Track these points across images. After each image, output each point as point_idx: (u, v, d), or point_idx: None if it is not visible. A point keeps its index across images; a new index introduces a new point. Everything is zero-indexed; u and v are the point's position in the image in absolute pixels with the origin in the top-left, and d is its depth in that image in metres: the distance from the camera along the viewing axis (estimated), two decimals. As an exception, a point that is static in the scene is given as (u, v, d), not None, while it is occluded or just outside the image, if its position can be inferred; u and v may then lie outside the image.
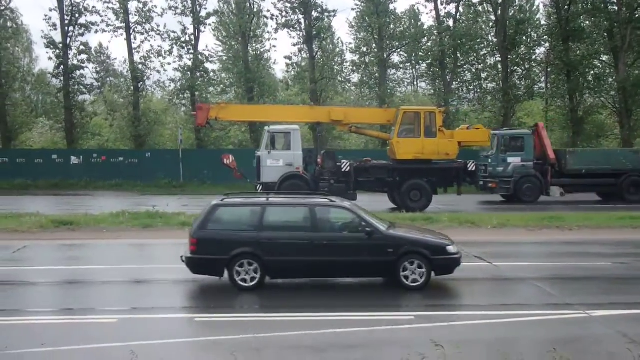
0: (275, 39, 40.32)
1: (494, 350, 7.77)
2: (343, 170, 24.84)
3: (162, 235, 18.38)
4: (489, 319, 9.93)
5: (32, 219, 19.55)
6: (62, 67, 42.04)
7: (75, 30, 42.23)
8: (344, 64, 48.85)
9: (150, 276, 13.39)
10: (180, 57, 43.15)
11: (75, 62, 42.38)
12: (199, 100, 40.49)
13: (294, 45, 43.79)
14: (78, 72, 42.67)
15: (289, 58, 43.90)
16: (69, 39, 41.93)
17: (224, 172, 35.58)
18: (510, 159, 28.06)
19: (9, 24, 44.62)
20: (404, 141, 25.01)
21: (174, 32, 43.00)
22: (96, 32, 43.62)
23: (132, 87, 43.90)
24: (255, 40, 45.62)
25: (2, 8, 42.78)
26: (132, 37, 42.80)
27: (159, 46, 43.54)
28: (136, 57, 43.04)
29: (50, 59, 42.79)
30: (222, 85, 46.40)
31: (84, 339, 8.98)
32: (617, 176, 28.06)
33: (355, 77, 46.98)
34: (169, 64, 43.30)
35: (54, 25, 41.79)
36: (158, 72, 43.96)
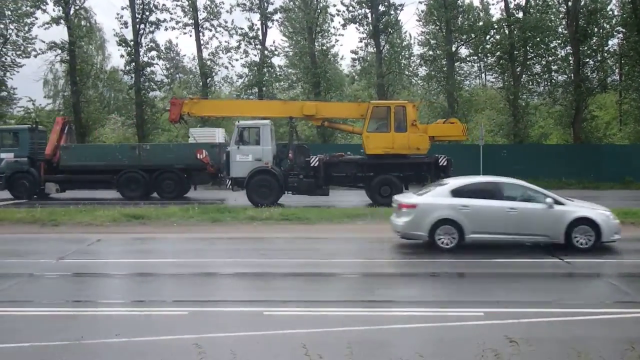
0: (342, 35, 40.43)
1: (569, 347, 7.57)
2: (312, 165, 24.78)
3: (230, 229, 18.66)
4: (560, 316, 9.68)
5: (105, 213, 20.12)
6: (133, 64, 43.05)
7: (145, 27, 43.17)
8: (411, 57, 48.52)
9: (219, 270, 13.60)
10: (248, 53, 43.66)
11: (145, 59, 43.37)
12: (264, 97, 40.96)
13: (361, 40, 43.72)
14: (148, 69, 43.66)
15: (355, 52, 43.84)
16: (139, 37, 42.90)
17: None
18: (3, 155, 27.77)
19: (82, 22, 45.85)
20: (373, 136, 24.90)
21: (241, 28, 43.52)
22: (166, 29, 44.57)
23: (200, 83, 44.67)
24: (321, 35, 45.72)
25: (77, 7, 44.02)
26: (200, 33, 43.54)
27: (226, 42, 44.18)
28: (205, 54, 43.78)
29: (121, 56, 43.92)
30: (288, 81, 46.65)
31: (156, 330, 9.18)
32: (114, 172, 27.42)
33: (422, 71, 46.59)
34: (237, 59, 43.80)
35: (125, 23, 42.84)
36: (226, 67, 44.83)
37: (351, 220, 19.65)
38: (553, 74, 42.82)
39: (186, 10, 43.12)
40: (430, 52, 44.60)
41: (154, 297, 11.28)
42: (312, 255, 15.12)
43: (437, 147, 28.61)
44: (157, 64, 44.62)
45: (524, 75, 42.46)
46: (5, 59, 45.45)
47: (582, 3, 40.41)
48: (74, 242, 16.77)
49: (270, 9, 43.46)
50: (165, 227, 19.02)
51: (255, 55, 43.61)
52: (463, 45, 43.78)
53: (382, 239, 17.26)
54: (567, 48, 41.67)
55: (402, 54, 47.89)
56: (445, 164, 24.85)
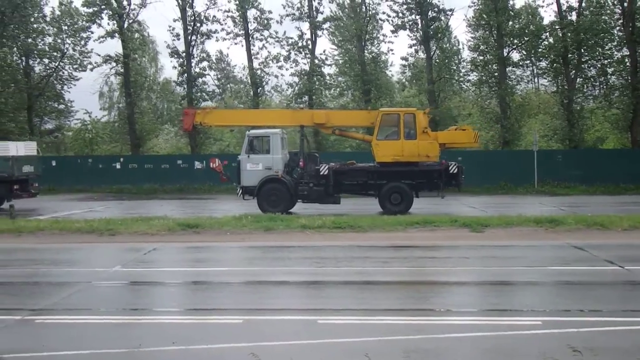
0: (392, 42, 40.19)
1: (634, 358, 7.33)
2: (321, 173, 24.65)
3: (283, 238, 18.69)
4: (624, 325, 9.40)
5: (160, 222, 20.39)
6: (185, 75, 43.78)
7: (197, 39, 43.85)
8: (462, 62, 48.08)
9: (272, 278, 13.62)
10: (297, 62, 43.87)
11: (197, 70, 44.01)
12: (314, 105, 41.04)
13: (411, 46, 43.52)
14: (200, 80, 44.31)
15: (405, 59, 43.74)
16: (191, 48, 43.57)
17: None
18: None
19: (136, 35, 46.83)
20: (382, 143, 24.69)
21: (291, 38, 43.86)
22: (217, 40, 45.25)
23: (251, 93, 45.07)
24: (371, 43, 45.66)
25: (131, 21, 45.01)
26: (251, 44, 43.97)
27: (278, 53, 44.43)
28: (255, 63, 44.22)
29: (174, 67, 44.81)
30: (338, 89, 46.71)
31: (211, 338, 9.22)
32: None
33: (473, 76, 46.08)
34: (287, 69, 43.97)
35: (177, 35, 43.67)
36: (276, 77, 45.06)
37: (404, 228, 19.50)
38: (609, 76, 41.86)
39: (237, 21, 43.68)
40: (481, 57, 44.11)
41: (209, 305, 11.35)
42: (365, 263, 15.06)
43: (484, 154, 28.20)
44: (208, 74, 45.30)
45: (578, 79, 41.64)
46: (63, 72, 46.89)
47: (639, 4, 39.43)
48: (130, 251, 17.05)
49: (320, 18, 43.67)
50: (219, 236, 19.17)
51: (305, 64, 43.85)
52: (515, 49, 43.18)
53: (436, 246, 17.14)
54: (623, 50, 40.72)
55: (453, 59, 47.48)
56: (456, 171, 24.62)
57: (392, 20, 42.53)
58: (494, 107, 44.31)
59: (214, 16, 43.87)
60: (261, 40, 43.99)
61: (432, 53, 42.99)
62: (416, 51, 43.62)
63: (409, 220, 20.40)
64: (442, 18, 42.75)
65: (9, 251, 17.55)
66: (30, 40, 45.40)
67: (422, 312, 10.55)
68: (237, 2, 43.11)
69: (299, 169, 25.18)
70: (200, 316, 10.45)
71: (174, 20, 43.73)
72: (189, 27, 43.34)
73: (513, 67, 44.43)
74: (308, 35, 43.85)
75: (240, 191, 24.95)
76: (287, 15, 43.41)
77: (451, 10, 42.29)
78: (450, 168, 24.65)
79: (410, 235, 18.88)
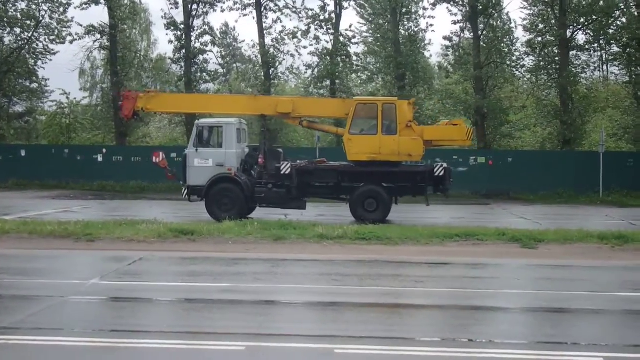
0: (433, 17, 40.00)
1: None
2: (282, 172, 24.50)
3: (295, 249, 18.78)
4: None
5: (149, 227, 20.50)
6: (183, 51, 43.93)
7: (198, 8, 44.01)
8: (515, 44, 47.85)
9: (282, 297, 13.65)
10: (318, 39, 43.86)
11: (198, 45, 44.17)
12: (338, 91, 41.05)
13: (455, 23, 43.36)
14: (201, 57, 44.50)
15: (449, 39, 43.48)
16: (191, 19, 43.72)
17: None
18: None
19: (125, 2, 47.00)
20: (356, 139, 24.66)
21: (311, 9, 43.87)
22: (222, 10, 45.30)
23: (262, 74, 45.10)
24: (407, 18, 45.51)
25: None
26: (263, 15, 44.00)
27: (294, 27, 44.48)
28: (267, 40, 44.25)
29: (170, 42, 44.96)
30: (367, 72, 46.68)
31: (208, 367, 9.31)
32: None
33: (529, 61, 45.88)
34: (305, 47, 43.99)
35: (176, 3, 43.79)
36: (292, 56, 45.03)
37: (442, 241, 19.49)
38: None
39: (247, -12, 43.73)
40: (539, 39, 43.91)
41: (206, 328, 11.37)
42: (393, 283, 15.05)
43: (539, 154, 27.79)
44: (211, 51, 45.54)
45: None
46: (37, 45, 47.03)
47: None
48: (112, 261, 17.17)
49: (347, -14, 43.65)
50: (219, 245, 19.24)
51: (328, 42, 43.86)
52: (580, 29, 42.95)
53: (479, 264, 17.08)
54: None
55: (504, 40, 47.30)
56: (442, 173, 24.50)
57: (433, -10, 42.47)
58: (553, 99, 44.11)
59: (220, -18, 44.02)
60: (275, 11, 44.10)
61: (480, 32, 42.84)
62: (461, 29, 43.49)
63: (448, 232, 20.37)
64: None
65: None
66: (-1, 5, 45.71)
67: (461, 343, 10.51)
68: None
69: (258, 167, 25.21)
70: (194, 341, 10.47)
71: (172, -14, 43.89)
72: (189, -6, 43.52)
73: (577, 51, 44.24)
74: (332, 7, 43.92)
75: (186, 192, 24.99)
76: (308, -18, 43.56)
77: (504, -20, 42.18)
78: (435, 170, 24.54)
79: (449, 250, 18.85)
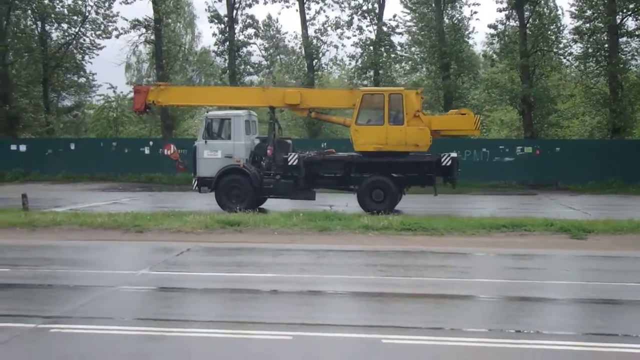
0: (477, 4, 39.57)
1: None
2: (290, 163, 24.64)
3: (341, 240, 18.84)
4: None
5: (196, 218, 20.72)
6: (226, 43, 44.15)
7: (242, 1, 44.18)
8: (562, 32, 47.22)
9: (327, 287, 13.70)
10: (362, 29, 43.79)
11: (241, 37, 44.41)
12: (381, 81, 40.95)
13: (500, 10, 42.94)
14: (244, 50, 44.69)
15: (494, 27, 43.06)
16: (235, 12, 43.94)
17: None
18: None
19: (170, -4, 47.46)
20: (363, 129, 24.59)
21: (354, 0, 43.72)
22: (265, 2, 45.39)
23: (305, 66, 45.18)
24: (451, 6, 45.19)
25: (164, -21, 45.60)
26: (305, 7, 44.06)
27: (336, 17, 44.47)
28: (310, 31, 44.32)
29: (214, 35, 45.36)
30: (410, 62, 46.49)
31: (255, 357, 9.39)
32: None
33: (576, 48, 45.24)
34: (348, 37, 43.98)
35: (219, -5, 43.98)
36: (335, 47, 45.06)
37: (488, 232, 19.39)
38: None
39: (290, -21, 43.80)
40: (587, 25, 43.24)
41: (252, 318, 11.46)
42: (440, 273, 15.01)
43: (587, 143, 27.29)
44: (254, 43, 45.93)
45: None
46: (84, 40, 47.86)
47: None
48: (160, 252, 17.40)
49: (390, -25, 43.50)
50: (264, 236, 19.38)
51: (371, 32, 43.79)
52: (630, 15, 42.21)
53: (527, 255, 16.96)
54: None
55: (551, 28, 46.69)
56: (449, 163, 24.36)
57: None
58: (602, 87, 43.44)
59: (263, -27, 44.14)
60: (318, 2, 44.10)
61: (525, 20, 42.34)
62: (507, 17, 43.02)
63: (494, 222, 20.25)
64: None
65: (22, 248, 18.08)
66: (46, 1, 46.43)
67: (508, 334, 10.46)
68: (291, -43, 43.30)
69: (266, 158, 25.33)
70: (241, 330, 10.55)
71: (216, -21, 44.12)
72: (232, -13, 43.72)
73: (627, 37, 43.47)
74: (375, -3, 43.73)
75: (196, 183, 25.28)
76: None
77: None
78: (443, 160, 24.43)
79: (496, 240, 18.75)
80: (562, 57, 46.04)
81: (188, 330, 10.56)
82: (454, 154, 24.88)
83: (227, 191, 24.91)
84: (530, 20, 43.15)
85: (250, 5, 44.82)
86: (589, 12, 43.35)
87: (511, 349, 9.67)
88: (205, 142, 25.23)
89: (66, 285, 13.70)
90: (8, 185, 36.65)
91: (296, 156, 24.87)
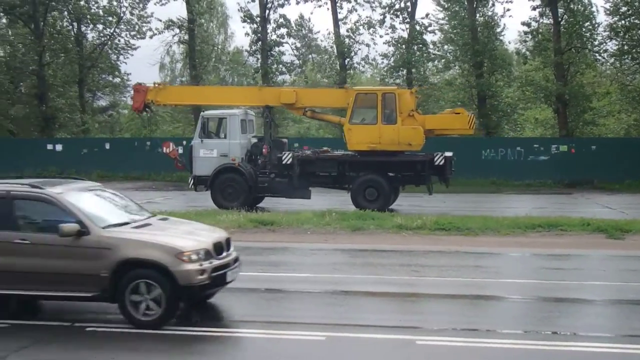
0: (510, 1, 39.10)
1: None
2: (284, 162, 24.79)
3: (374, 239, 18.74)
4: None
5: (229, 218, 20.74)
6: (259, 43, 44.25)
7: (274, 1, 44.22)
8: (597, 29, 46.65)
9: (360, 287, 13.61)
10: (394, 28, 43.65)
11: (274, 37, 44.43)
12: (414, 80, 40.76)
13: (534, 8, 42.51)
14: (277, 49, 44.70)
15: (527, 24, 42.63)
16: (267, 11, 44.00)
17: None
18: None
19: (203, -4, 47.70)
20: (356, 128, 24.76)
21: (386, -2, 43.58)
22: (297, 2, 45.32)
23: (337, 65, 45.11)
24: (483, 4, 44.82)
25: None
26: (337, 6, 43.98)
27: (368, 17, 44.35)
28: (342, 30, 44.21)
29: (246, 34, 45.39)
30: (443, 60, 46.23)
31: (289, 357, 9.40)
32: None
33: (612, 45, 44.64)
34: (381, 36, 43.84)
35: (252, -5, 44.08)
36: (367, 46, 44.87)
37: (524, 232, 19.17)
38: None
39: (321, -22, 43.76)
40: (622, 22, 42.65)
41: (286, 318, 11.48)
42: (474, 274, 14.88)
43: (623, 142, 27.00)
44: (287, 42, 45.79)
45: None
46: (119, 40, 48.33)
47: None
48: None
49: (422, -27, 43.31)
50: (297, 236, 19.36)
51: (403, 31, 43.61)
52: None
53: (563, 255, 16.78)
54: None
55: (586, 25, 46.14)
56: (442, 163, 24.34)
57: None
58: (639, 84, 42.85)
59: (296, -27, 44.16)
60: (350, 1, 43.99)
61: (559, 17, 41.86)
62: (540, 14, 42.57)
63: (529, 222, 20.02)
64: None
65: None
66: (82, 2, 46.91)
67: (544, 335, 10.35)
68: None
69: (262, 157, 25.48)
70: (275, 330, 10.56)
71: (248, -21, 44.22)
72: (265, -14, 43.80)
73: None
74: (407, -5, 43.56)
75: (192, 181, 25.69)
76: (383, -28, 43.29)
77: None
78: (436, 160, 24.43)
79: (532, 240, 18.53)
80: (597, 54, 45.46)
81: (221, 330, 10.58)
82: (448, 153, 24.86)
83: (222, 190, 25.10)
84: (565, 17, 42.65)
85: (282, 5, 44.82)
86: (624, 9, 42.73)
87: (548, 350, 9.55)
88: (202, 141, 25.52)
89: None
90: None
91: (290, 155, 25.07)
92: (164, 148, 27.07)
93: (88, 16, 47.35)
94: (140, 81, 27.74)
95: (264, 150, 25.49)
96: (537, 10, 42.48)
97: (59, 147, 42.05)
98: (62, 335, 10.29)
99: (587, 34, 44.32)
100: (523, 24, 43.19)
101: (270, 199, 26.56)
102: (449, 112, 27.00)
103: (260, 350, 9.65)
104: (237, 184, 25.01)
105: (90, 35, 49.33)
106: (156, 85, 27.90)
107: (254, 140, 26.28)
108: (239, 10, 44.71)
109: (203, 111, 27.01)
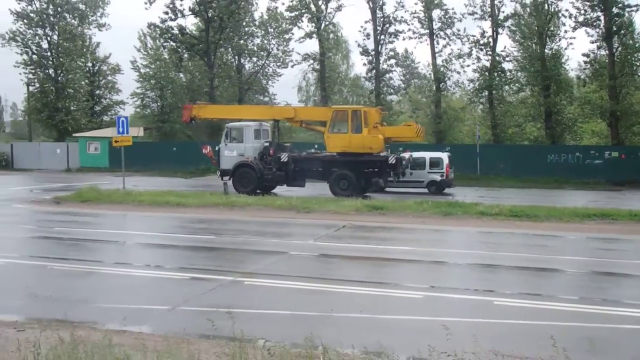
0: (574, 37, 37.65)
1: None
2: (282, 160, 25.85)
3: (460, 222, 18.47)
4: None
5: (349, 203, 20.89)
6: (373, 71, 44.25)
7: (385, 38, 44.16)
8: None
9: (449, 259, 13.54)
10: (479, 58, 42.79)
11: (385, 66, 44.32)
12: (494, 99, 39.83)
13: (592, 42, 40.66)
14: (387, 75, 44.59)
15: (587, 55, 40.83)
16: (380, 46, 43.96)
17: (520, 165, 34.85)
18: None
19: (331, 36, 48.16)
20: (333, 136, 25.62)
21: (473, 35, 42.88)
22: (403, 39, 45.14)
23: (434, 88, 44.62)
24: (551, 40, 43.22)
25: (327, 23, 46.34)
26: (435, 42, 43.51)
27: (459, 49, 43.61)
28: (438, 60, 43.69)
29: (364, 64, 45.47)
30: (517, 84, 44.90)
31: (394, 309, 9.42)
32: None
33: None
34: (468, 65, 43.03)
35: (368, 35, 44.23)
36: (458, 73, 44.17)
37: (581, 220, 18.46)
38: None
39: (422, 21, 43.36)
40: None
41: (392, 280, 11.55)
42: (539, 252, 14.49)
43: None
44: (394, 70, 45.54)
45: None
46: (268, 69, 49.53)
47: None
48: (323, 227, 17.71)
49: (501, 16, 42.18)
50: (401, 218, 19.32)
51: (486, 61, 42.63)
52: None
53: (612, 239, 16.13)
54: None
55: (636, 55, 43.68)
56: (393, 162, 24.92)
57: (574, 17, 40.02)
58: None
59: (402, 17, 43.91)
60: (444, 38, 43.45)
61: (614, 49, 39.85)
62: (598, 47, 40.67)
63: (586, 212, 19.29)
64: (627, 13, 39.51)
65: (223, 222, 18.93)
66: (242, 41, 48.30)
67: (603, 301, 10.00)
68: (424, 4, 42.80)
69: (268, 157, 26.36)
70: (384, 289, 10.65)
71: (365, 22, 44.38)
72: (378, 28, 43.73)
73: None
74: (489, 33, 42.60)
75: (219, 173, 26.90)
76: (470, 14, 42.43)
77: (637, 5, 38.96)
78: (389, 160, 24.95)
79: (587, 227, 17.84)
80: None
81: (342, 287, 10.73)
82: (405, 154, 26.64)
83: (239, 179, 26.27)
84: (619, 49, 40.55)
85: (391, 42, 44.78)
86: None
87: (599, 314, 9.25)
88: (226, 144, 26.85)
89: (255, 250, 14.23)
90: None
91: (286, 155, 26.07)
92: (203, 150, 27.97)
93: (246, 52, 48.82)
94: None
95: (271, 151, 26.40)
96: (595, 44, 40.65)
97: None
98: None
99: (638, 63, 42.02)
100: (583, 55, 41.41)
101: (280, 187, 27.37)
102: (404, 124, 28.52)
103: (371, 304, 9.75)
104: (249, 176, 26.16)
105: (247, 65, 50.76)
106: (199, 104, 29.90)
107: (266, 144, 27.08)
108: (358, 45, 44.88)
109: (228, 123, 27.82)
